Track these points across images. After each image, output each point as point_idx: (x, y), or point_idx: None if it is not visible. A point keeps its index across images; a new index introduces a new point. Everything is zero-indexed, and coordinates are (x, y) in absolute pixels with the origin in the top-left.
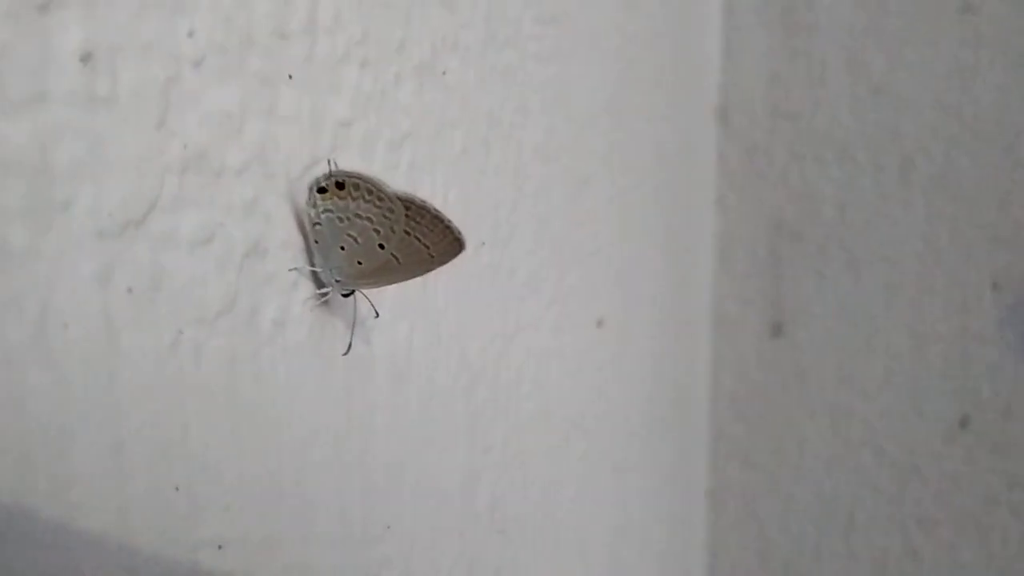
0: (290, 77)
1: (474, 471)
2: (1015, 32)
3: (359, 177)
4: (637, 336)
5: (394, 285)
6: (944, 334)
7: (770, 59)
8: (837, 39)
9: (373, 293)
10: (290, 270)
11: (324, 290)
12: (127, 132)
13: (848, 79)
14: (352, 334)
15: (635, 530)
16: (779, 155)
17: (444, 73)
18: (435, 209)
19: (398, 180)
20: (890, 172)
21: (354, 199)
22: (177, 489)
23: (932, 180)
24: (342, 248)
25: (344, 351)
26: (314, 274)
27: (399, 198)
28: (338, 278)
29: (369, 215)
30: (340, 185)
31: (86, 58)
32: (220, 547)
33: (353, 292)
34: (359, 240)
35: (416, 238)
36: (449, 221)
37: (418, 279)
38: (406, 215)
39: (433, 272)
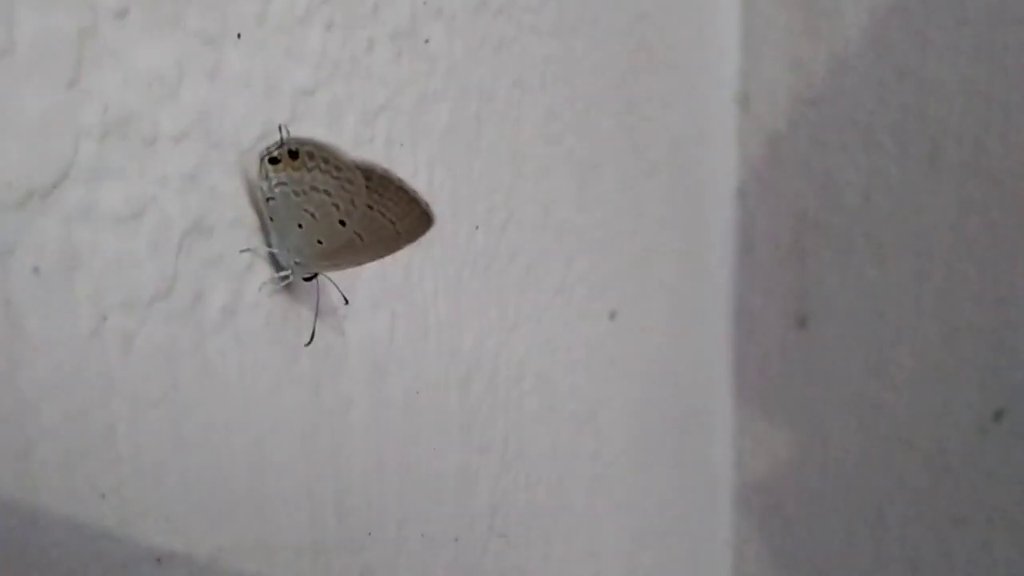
0: (239, 36)
1: (471, 471)
2: None
3: (313, 144)
4: (653, 328)
5: (370, 270)
6: (976, 324)
7: (791, 43)
8: (860, 21)
9: (345, 278)
10: (242, 251)
11: (284, 273)
12: (28, 90)
13: (872, 62)
14: (315, 322)
15: (655, 533)
16: (802, 142)
17: (427, 41)
18: (399, 179)
19: (374, 156)
20: (918, 158)
21: (309, 170)
22: (103, 496)
23: (962, 165)
24: (300, 226)
25: (306, 341)
26: (271, 255)
27: (358, 167)
28: (297, 259)
29: (327, 187)
30: (293, 154)
31: None
32: (159, 560)
33: (316, 276)
34: (317, 216)
35: (380, 212)
36: (415, 192)
37: (401, 264)
38: (367, 187)
39: (419, 257)
